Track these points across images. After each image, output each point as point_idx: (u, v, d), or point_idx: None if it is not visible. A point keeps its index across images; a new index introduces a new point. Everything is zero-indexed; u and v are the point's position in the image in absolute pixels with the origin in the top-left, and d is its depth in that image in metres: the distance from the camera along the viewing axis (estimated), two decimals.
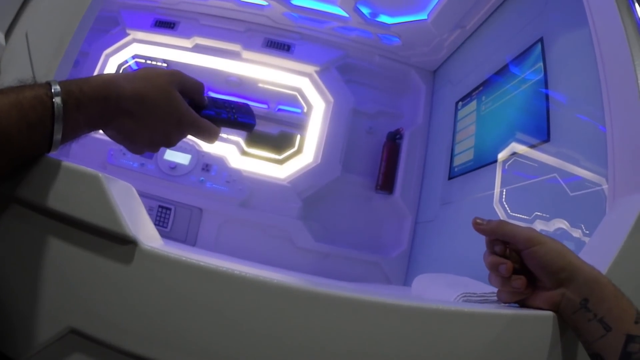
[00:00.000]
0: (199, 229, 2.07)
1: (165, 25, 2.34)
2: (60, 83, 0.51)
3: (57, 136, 0.51)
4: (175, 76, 0.62)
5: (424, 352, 0.52)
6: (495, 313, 0.56)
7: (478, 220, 0.62)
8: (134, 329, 0.52)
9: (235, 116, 0.69)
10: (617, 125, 0.80)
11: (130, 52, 2.37)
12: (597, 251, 0.68)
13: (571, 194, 1.08)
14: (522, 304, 0.60)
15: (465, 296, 0.92)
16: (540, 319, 0.56)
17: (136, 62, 2.40)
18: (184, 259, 0.53)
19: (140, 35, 2.35)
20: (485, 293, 0.90)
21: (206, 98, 0.68)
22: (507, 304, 0.62)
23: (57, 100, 0.49)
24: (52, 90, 0.50)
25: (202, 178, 2.12)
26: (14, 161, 0.51)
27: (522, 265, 0.59)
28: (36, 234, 0.54)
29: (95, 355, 0.53)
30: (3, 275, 0.54)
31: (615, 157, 0.79)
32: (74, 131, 0.53)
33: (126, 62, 2.38)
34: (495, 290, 0.62)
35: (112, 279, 0.53)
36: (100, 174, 0.54)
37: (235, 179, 2.13)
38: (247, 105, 0.72)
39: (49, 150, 0.52)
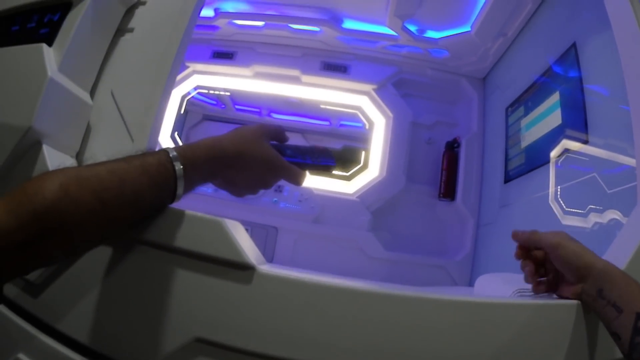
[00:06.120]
0: (275, 246, 2.18)
1: (223, 55, 2.46)
2: (175, 149, 0.63)
3: (180, 191, 0.64)
4: (263, 129, 0.74)
5: (477, 339, 0.65)
6: (528, 304, 0.67)
7: (515, 232, 0.78)
8: (255, 333, 0.63)
9: (319, 160, 0.80)
10: None
11: (192, 84, 2.49)
12: (624, 242, 0.75)
13: (622, 187, 1.11)
14: (556, 294, 0.73)
15: (520, 291, 1.02)
16: (566, 307, 0.67)
17: (199, 93, 2.51)
18: (297, 278, 0.65)
19: (200, 67, 2.48)
20: None
21: (289, 145, 0.79)
22: (541, 294, 0.74)
23: (178, 164, 0.62)
24: (171, 156, 0.61)
25: (275, 199, 2.25)
26: (145, 213, 0.65)
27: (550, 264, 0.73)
28: (165, 267, 0.66)
29: (218, 356, 0.65)
30: (134, 298, 0.66)
31: None
32: (191, 186, 0.66)
33: (189, 93, 2.50)
34: None
35: (235, 297, 0.65)
36: (221, 220, 0.67)
37: (307, 197, 2.24)
38: (326, 148, 0.84)
39: (171, 202, 0.66)
